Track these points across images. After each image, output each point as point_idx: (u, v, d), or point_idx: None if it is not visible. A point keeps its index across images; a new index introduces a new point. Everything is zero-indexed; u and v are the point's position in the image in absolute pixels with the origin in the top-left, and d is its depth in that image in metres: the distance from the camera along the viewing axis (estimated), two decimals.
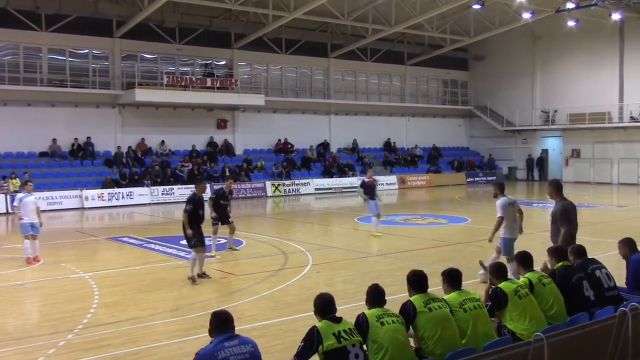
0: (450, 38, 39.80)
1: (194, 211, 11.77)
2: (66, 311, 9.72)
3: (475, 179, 41.20)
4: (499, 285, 6.21)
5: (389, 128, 42.02)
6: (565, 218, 8.78)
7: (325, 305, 5.20)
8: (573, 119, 39.19)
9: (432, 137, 43.46)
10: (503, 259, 6.79)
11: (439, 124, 44.81)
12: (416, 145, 42.49)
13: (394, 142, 41.87)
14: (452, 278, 6.11)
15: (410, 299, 5.65)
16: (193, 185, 13.67)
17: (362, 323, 5.18)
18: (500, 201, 10.51)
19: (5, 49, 29.75)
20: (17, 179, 26.75)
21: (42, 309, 10.32)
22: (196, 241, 11.65)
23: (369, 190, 17.88)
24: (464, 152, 45.16)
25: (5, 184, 26.35)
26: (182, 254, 14.68)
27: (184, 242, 15.89)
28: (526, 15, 34.59)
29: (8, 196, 25.93)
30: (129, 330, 8.51)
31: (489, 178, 41.54)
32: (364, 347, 5.10)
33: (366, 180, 18.56)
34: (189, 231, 11.62)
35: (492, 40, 40.92)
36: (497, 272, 6.43)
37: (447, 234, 17.80)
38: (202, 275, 11.88)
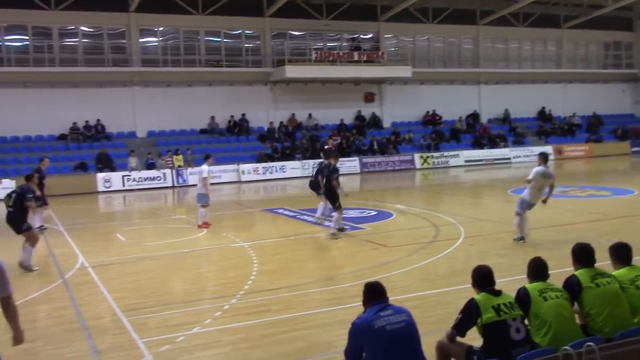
0: None
1: (337, 179, 13.57)
2: (229, 277, 10.33)
3: None
4: None
5: (544, 96, 39.83)
6: None
7: (484, 278, 5.09)
8: None
9: (592, 104, 40.59)
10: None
11: (599, 90, 41.74)
12: (574, 114, 39.96)
13: (550, 111, 39.71)
14: (621, 253, 5.70)
15: (575, 273, 5.36)
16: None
17: (523, 297, 5.01)
18: (536, 168, 11.84)
19: (168, 34, 31.85)
20: (180, 155, 28.66)
21: (207, 275, 11.06)
22: (339, 203, 13.50)
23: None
24: (629, 120, 41.82)
25: (170, 160, 28.33)
26: (332, 224, 14.99)
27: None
28: None
29: (174, 171, 27.94)
30: (286, 297, 8.86)
31: None
32: (525, 321, 4.94)
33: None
34: (340, 190, 13.55)
35: None
36: None
37: (610, 206, 16.65)
38: (341, 229, 13.61)
